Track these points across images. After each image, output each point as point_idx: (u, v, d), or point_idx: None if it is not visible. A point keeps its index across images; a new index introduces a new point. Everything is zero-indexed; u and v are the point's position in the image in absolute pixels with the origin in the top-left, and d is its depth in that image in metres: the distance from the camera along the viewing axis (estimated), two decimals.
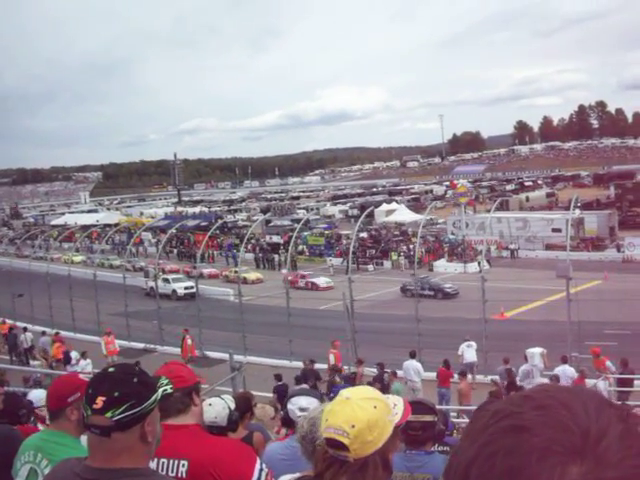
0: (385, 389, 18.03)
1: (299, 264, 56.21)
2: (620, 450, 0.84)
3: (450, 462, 0.95)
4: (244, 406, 6.13)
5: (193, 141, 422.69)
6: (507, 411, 0.91)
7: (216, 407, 5.46)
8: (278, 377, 19.66)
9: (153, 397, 2.41)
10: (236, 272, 47.92)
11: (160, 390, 2.55)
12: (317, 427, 2.70)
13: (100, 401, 2.31)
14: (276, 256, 59.07)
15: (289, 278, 40.93)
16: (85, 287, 36.01)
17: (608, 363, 20.41)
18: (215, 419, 5.36)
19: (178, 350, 29.22)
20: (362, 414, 2.21)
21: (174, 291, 45.59)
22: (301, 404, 4.68)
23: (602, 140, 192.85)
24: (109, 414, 2.29)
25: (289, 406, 4.83)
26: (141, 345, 32.10)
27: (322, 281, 47.29)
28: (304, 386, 15.51)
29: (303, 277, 48.32)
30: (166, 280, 46.15)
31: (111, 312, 34.99)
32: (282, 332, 28.33)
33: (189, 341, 28.74)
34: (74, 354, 25.46)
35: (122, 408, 2.31)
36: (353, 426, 2.19)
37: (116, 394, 2.32)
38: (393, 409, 2.36)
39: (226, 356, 24.27)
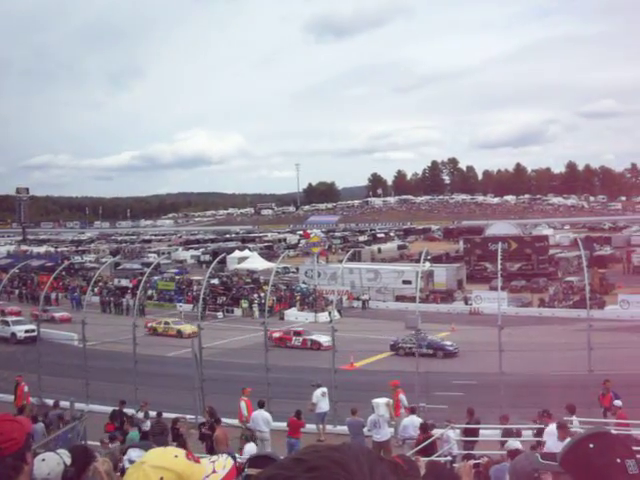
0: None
1: (148, 309, 54.80)
2: None
3: None
4: (81, 461, 5.64)
5: (42, 177, 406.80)
6: (280, 477, 0.90)
7: (50, 463, 5.00)
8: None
9: None
10: (167, 324, 46.95)
11: None
12: None
13: None
14: (124, 300, 57.28)
15: (275, 335, 39.60)
16: None
17: (401, 396, 21.76)
18: (48, 476, 4.90)
19: (10, 397, 27.62)
20: None
21: (13, 334, 43.26)
22: (130, 456, 4.36)
23: (453, 196, 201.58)
24: None
25: (124, 458, 4.49)
26: None
27: (324, 339, 38.99)
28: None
29: (298, 334, 42.33)
30: (5, 322, 43.83)
31: None
32: (128, 379, 27.29)
33: (25, 388, 27.19)
34: None
35: None
36: None
37: None
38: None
39: (67, 404, 23.22)
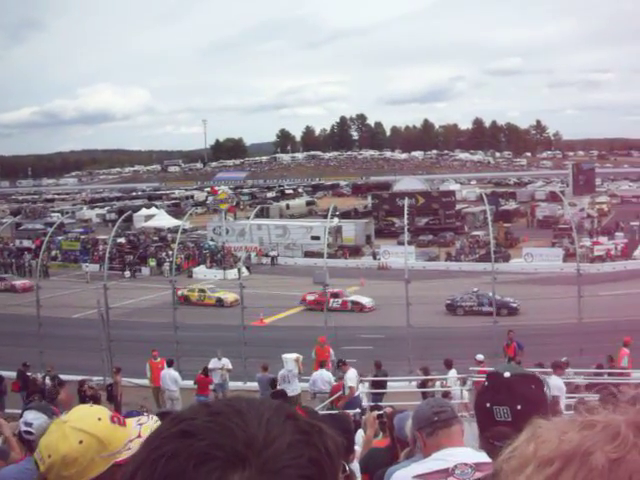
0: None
1: (52, 270, 53.54)
2: (286, 459, 0.88)
3: (126, 467, 0.97)
4: None
5: None
6: (182, 417, 0.94)
7: None
8: None
9: None
10: (202, 291, 42.29)
11: None
12: None
13: None
14: (26, 261, 55.67)
15: (309, 297, 37.72)
16: None
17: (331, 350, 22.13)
18: None
19: None
20: (63, 446, 1.94)
21: None
22: (26, 418, 4.31)
23: (361, 152, 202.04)
24: None
25: (20, 421, 4.44)
26: None
27: (366, 300, 38.77)
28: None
29: (336, 296, 38.01)
30: None
31: None
32: (32, 343, 26.68)
33: None
34: None
35: None
36: (49, 456, 1.94)
37: None
38: (126, 444, 2.05)
39: None
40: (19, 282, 48.05)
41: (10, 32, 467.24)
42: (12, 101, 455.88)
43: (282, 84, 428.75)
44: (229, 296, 39.96)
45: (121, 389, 21.42)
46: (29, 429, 4.21)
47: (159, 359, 22.49)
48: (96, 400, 17.14)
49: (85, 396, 18.64)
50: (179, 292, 37.84)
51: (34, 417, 4.24)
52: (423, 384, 18.38)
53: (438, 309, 36.07)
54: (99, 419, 2.06)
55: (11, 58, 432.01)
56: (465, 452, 2.94)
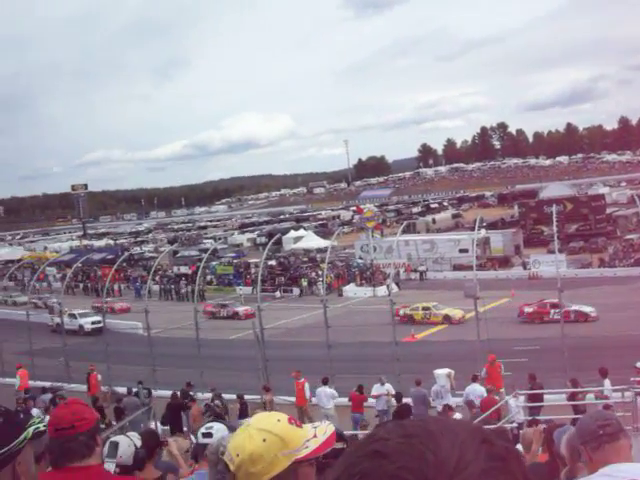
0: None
1: (208, 294, 55.52)
2: None
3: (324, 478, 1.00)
4: (151, 443, 5.87)
5: (97, 173, 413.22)
6: (377, 436, 0.93)
7: (121, 445, 5.24)
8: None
9: (22, 435, 2.31)
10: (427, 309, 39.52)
11: (31, 428, 2.40)
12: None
13: None
14: (184, 286, 58.05)
15: (527, 309, 36.02)
16: None
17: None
18: (120, 458, 5.14)
19: (84, 387, 28.43)
20: (248, 445, 2.11)
21: (81, 326, 44.34)
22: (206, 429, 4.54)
23: (504, 160, 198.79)
24: None
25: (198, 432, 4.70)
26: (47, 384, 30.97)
27: (589, 309, 35.29)
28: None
29: (556, 306, 31.61)
30: (72, 315, 44.89)
31: (16, 350, 33.72)
32: (193, 364, 27.81)
33: (98, 377, 27.96)
34: None
35: None
36: (238, 455, 2.11)
37: None
38: (304, 443, 2.22)
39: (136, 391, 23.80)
40: (117, 305, 51.27)
41: (160, 72, 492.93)
42: (165, 136, 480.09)
43: (420, 98, 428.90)
44: (456, 312, 38.56)
45: (270, 406, 21.81)
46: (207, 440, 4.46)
47: (302, 379, 22.88)
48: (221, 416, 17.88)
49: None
50: (400, 312, 37.67)
51: (216, 429, 4.49)
52: (572, 396, 17.73)
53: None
54: (278, 420, 2.22)
55: (161, 96, 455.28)
56: (635, 468, 2.83)
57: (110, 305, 50.05)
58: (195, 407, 20.78)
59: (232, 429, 4.52)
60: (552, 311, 33.91)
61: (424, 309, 39.71)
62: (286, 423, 2.23)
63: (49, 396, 24.08)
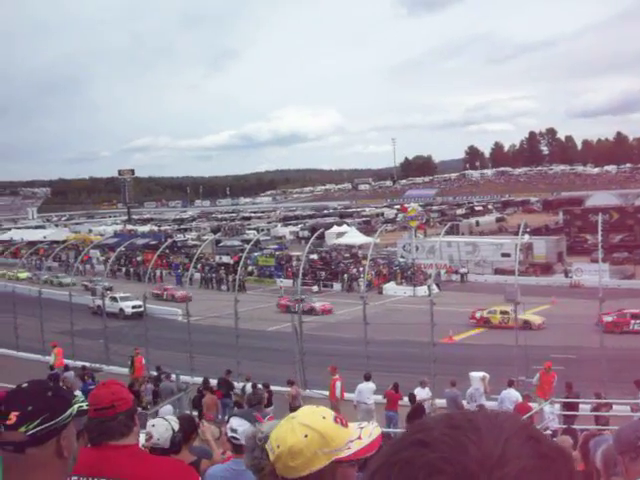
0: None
1: (248, 285, 55.78)
2: None
3: (367, 465, 0.99)
4: (188, 428, 5.94)
5: (144, 159, 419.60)
6: (424, 426, 0.93)
7: (159, 428, 5.32)
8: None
9: (68, 411, 2.37)
10: (506, 314, 36.67)
11: (76, 405, 2.46)
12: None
13: (14, 416, 2.23)
14: (225, 276, 58.33)
15: (607, 319, 31.10)
16: (30, 305, 35.19)
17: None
18: (158, 441, 5.22)
19: (123, 370, 28.79)
20: (290, 438, 2.12)
21: (121, 310, 44.80)
22: (232, 425, 4.58)
23: (552, 166, 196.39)
24: (23, 429, 2.22)
25: (227, 426, 4.73)
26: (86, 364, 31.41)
27: None
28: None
29: (637, 317, 35.09)
30: (114, 299, 45.34)
31: (56, 330, 34.24)
32: (230, 353, 28.02)
33: (143, 360, 28.27)
34: None
35: (36, 422, 2.24)
36: (278, 446, 2.13)
37: (30, 408, 2.26)
38: (347, 444, 2.18)
39: (173, 377, 24.07)
40: (178, 293, 49.84)
41: (210, 63, 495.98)
42: (212, 126, 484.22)
43: (469, 100, 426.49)
44: (536, 318, 37.79)
45: (292, 399, 21.79)
46: (234, 435, 4.50)
47: (337, 375, 22.86)
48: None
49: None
50: (476, 314, 37.92)
51: (238, 424, 4.52)
52: (596, 408, 17.54)
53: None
54: (323, 417, 2.21)
55: (211, 86, 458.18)
56: None
57: (171, 292, 50.73)
58: (209, 396, 21.10)
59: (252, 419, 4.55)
60: (633, 322, 35.01)
61: (502, 313, 38.25)
62: (331, 421, 2.22)
63: (71, 374, 24.58)
